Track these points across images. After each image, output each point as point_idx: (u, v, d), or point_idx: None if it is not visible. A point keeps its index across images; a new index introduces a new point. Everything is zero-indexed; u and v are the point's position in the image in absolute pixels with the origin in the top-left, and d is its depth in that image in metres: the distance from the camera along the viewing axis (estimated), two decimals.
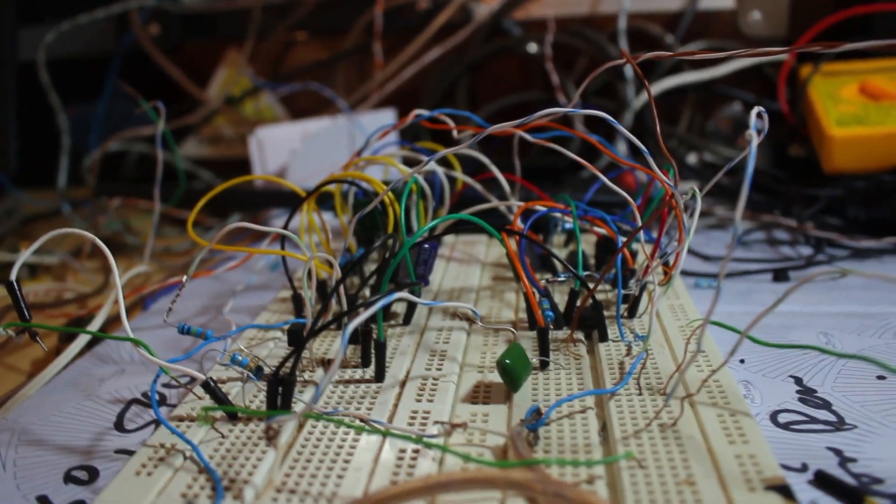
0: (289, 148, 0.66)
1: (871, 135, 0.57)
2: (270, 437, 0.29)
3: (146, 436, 0.34)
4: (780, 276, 0.50)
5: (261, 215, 0.69)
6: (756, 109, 0.30)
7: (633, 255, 0.45)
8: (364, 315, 0.27)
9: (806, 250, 0.55)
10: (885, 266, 0.52)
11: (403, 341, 0.38)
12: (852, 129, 0.58)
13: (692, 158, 0.69)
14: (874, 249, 0.54)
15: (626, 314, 0.40)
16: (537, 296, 0.37)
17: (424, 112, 0.46)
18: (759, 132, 0.29)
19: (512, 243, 0.38)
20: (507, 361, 0.31)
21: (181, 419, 0.32)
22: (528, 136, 0.42)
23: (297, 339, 0.35)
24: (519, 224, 0.41)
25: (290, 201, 0.65)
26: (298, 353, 0.31)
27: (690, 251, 0.55)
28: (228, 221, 0.70)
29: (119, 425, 0.36)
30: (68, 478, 0.32)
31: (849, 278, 0.49)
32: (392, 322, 0.41)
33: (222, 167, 0.88)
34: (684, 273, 0.50)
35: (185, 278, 0.37)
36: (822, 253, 0.54)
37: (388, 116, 0.75)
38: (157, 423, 0.35)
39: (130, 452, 0.32)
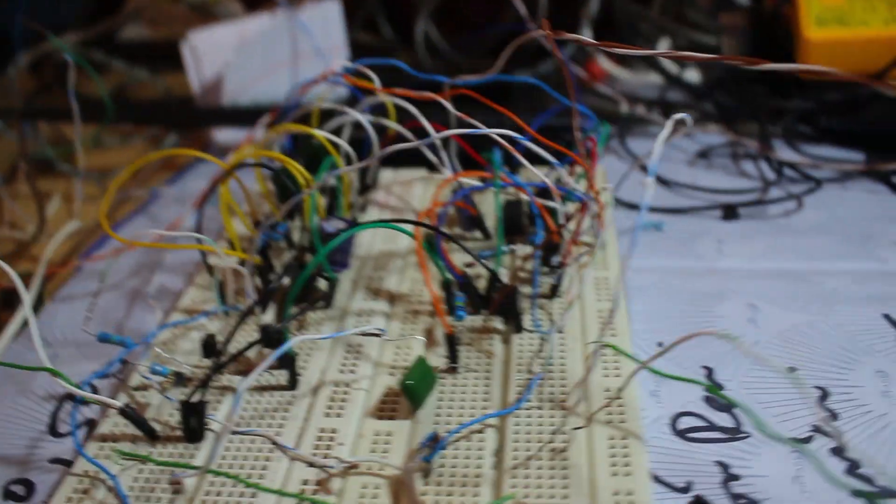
0: (227, 53, 0.65)
1: (850, 39, 0.56)
2: (175, 490, 0.33)
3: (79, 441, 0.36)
4: (729, 213, 0.51)
5: (203, 135, 0.69)
6: None
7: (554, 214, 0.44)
8: (255, 372, 0.30)
9: (770, 173, 0.56)
10: (847, 191, 0.53)
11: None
12: (831, 31, 0.56)
13: (664, 45, 0.68)
14: (833, 178, 0.55)
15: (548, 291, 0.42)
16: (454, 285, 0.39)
17: (346, 63, 0.46)
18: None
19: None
20: (409, 382, 0.34)
21: (104, 439, 0.35)
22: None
23: (211, 352, 0.38)
24: (438, 203, 0.42)
25: (235, 118, 0.65)
26: (207, 382, 0.34)
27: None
28: (165, 144, 0.70)
29: (52, 428, 0.38)
30: (7, 494, 0.33)
31: (799, 216, 0.50)
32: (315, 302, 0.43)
33: (166, 50, 0.86)
34: (626, 206, 0.52)
35: (98, 284, 0.39)
36: (777, 186, 0.54)
37: (332, 8, 0.73)
38: (90, 424, 0.38)
39: (65, 461, 0.35)
